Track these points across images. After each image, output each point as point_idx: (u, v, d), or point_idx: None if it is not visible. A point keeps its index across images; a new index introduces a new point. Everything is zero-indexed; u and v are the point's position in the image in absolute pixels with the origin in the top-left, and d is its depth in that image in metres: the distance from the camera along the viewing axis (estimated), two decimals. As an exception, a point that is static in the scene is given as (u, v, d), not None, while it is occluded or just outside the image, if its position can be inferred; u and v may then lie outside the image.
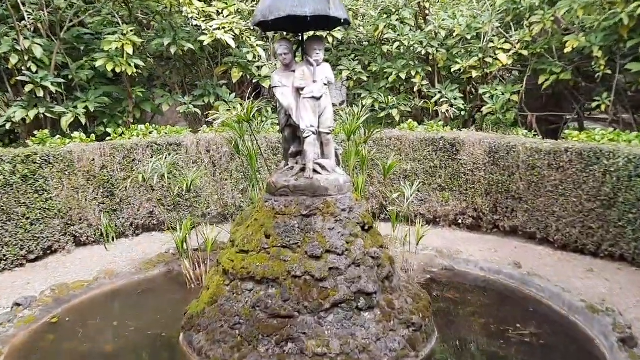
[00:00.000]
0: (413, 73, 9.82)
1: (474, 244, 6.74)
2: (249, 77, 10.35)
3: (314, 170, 4.39)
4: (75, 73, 9.54)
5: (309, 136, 4.40)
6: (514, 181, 6.72)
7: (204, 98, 10.00)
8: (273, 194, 4.38)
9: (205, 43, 9.08)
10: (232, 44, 8.97)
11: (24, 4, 8.90)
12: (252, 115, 5.55)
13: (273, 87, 4.55)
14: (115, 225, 6.98)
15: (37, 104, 8.91)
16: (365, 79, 10.24)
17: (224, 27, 9.05)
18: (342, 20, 4.22)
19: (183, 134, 8.06)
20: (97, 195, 6.73)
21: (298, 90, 4.49)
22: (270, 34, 10.23)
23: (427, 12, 10.08)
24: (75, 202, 6.55)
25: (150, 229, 7.39)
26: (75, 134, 7.93)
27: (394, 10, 10.09)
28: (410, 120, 8.85)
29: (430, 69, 10.09)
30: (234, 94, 10.19)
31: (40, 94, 8.75)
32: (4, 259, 5.92)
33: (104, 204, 6.82)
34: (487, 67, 9.50)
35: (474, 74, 9.56)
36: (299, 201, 4.21)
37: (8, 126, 9.00)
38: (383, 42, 10.59)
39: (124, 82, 9.75)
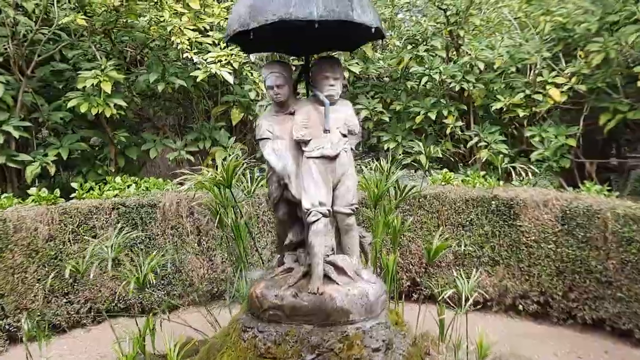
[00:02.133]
0: (444, 112, 8.22)
1: (544, 344, 4.98)
2: (251, 118, 8.83)
3: (326, 277, 2.72)
4: (48, 115, 8.09)
5: (316, 221, 2.75)
6: (598, 259, 4.98)
7: (199, 143, 8.50)
8: (258, 316, 2.73)
9: (199, 79, 7.60)
10: (230, 79, 7.48)
11: (-14, 36, 7.51)
12: (234, 176, 3.90)
13: (259, 140, 2.94)
14: (68, 313, 5.32)
15: (-1, 152, 7.44)
16: (387, 119, 8.65)
17: (220, 61, 7.58)
18: (373, 30, 2.60)
19: (165, 189, 6.47)
20: (40, 275, 5.10)
21: (300, 145, 2.86)
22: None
23: (460, 41, 8.53)
24: (9, 287, 4.92)
25: (116, 313, 5.72)
26: (32, 189, 6.37)
27: (421, 39, 8.58)
28: (445, 169, 7.18)
29: (465, 107, 8.49)
30: (233, 138, 8.66)
31: (0, 140, 7.27)
32: None
33: (50, 286, 5.18)
34: (536, 105, 7.87)
35: (520, 113, 7.93)
36: (299, 334, 2.60)
37: (-39, 179, 7.54)
38: (408, 76, 9.05)
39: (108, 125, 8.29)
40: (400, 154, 8.42)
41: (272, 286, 2.88)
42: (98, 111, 7.47)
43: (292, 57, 6.36)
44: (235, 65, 7.66)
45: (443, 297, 3.89)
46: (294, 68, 3.37)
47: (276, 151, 3.05)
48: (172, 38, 7.46)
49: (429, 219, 5.79)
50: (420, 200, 5.81)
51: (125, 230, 5.32)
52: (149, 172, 9.97)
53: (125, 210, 5.53)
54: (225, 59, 7.61)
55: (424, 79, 8.16)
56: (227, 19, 8.07)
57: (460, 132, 8.38)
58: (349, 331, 2.64)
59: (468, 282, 3.91)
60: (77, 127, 8.61)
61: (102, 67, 7.43)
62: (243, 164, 4.34)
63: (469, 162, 8.54)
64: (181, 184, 6.10)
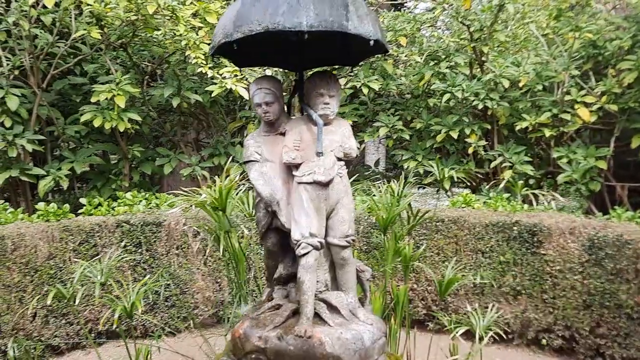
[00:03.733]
0: (467, 131, 7.89)
1: (570, 384, 4.59)
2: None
3: (318, 316, 2.45)
4: (63, 128, 8.05)
5: (306, 254, 2.49)
6: (629, 293, 4.59)
7: (214, 159, 8.35)
8: (239, 359, 2.44)
9: (214, 94, 7.45)
10: (245, 94, 7.29)
11: (4, 49, 7.50)
12: (229, 198, 3.66)
13: (245, 163, 2.70)
14: (67, 334, 5.13)
15: (10, 165, 7.39)
16: (407, 137, 8.35)
17: (236, 75, 7.41)
18: (372, 43, 2.35)
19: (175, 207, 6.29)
20: (39, 295, 4.93)
21: (291, 169, 2.61)
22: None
23: (484, 58, 8.21)
24: (6, 306, 4.76)
25: (118, 335, 5.52)
26: (40, 204, 6.27)
27: (443, 55, 8.29)
28: (466, 191, 6.85)
29: (488, 126, 8.14)
30: (249, 155, 8.46)
31: (14, 153, 7.21)
32: None
33: (49, 307, 5.00)
34: (564, 125, 7.49)
35: (546, 133, 7.55)
36: None
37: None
38: (429, 94, 8.76)
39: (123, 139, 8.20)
40: (420, 173, 8.13)
41: (256, 325, 2.62)
42: (112, 125, 7.39)
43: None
44: (252, 80, 7.47)
45: (455, 334, 3.56)
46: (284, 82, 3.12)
47: (264, 175, 2.81)
48: (187, 52, 7.34)
49: (447, 244, 5.47)
50: (437, 224, 5.50)
51: (128, 250, 5.18)
52: (170, 187, 9.83)
53: (129, 229, 5.36)
54: (241, 74, 7.44)
55: (446, 96, 7.86)
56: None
57: (483, 152, 8.04)
58: (339, 382, 2.35)
59: (483, 318, 3.57)
60: (93, 141, 8.55)
61: (117, 81, 7.34)
62: (239, 185, 4.11)
63: (493, 183, 8.18)
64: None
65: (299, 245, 2.64)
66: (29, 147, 7.36)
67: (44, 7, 7.15)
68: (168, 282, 5.45)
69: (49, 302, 3.63)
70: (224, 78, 7.37)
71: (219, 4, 7.86)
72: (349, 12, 2.29)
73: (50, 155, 8.23)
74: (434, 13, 8.63)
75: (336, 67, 4.10)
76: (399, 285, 4.08)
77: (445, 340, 4.24)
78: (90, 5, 6.88)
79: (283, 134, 2.87)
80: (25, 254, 4.87)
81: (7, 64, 7.43)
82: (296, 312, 2.62)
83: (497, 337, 5.09)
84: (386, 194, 4.06)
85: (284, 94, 3.07)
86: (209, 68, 7.36)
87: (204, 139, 9.49)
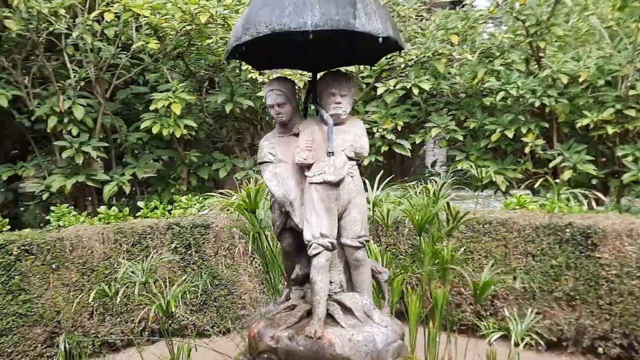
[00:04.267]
0: (523, 130, 7.60)
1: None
2: (320, 137, 8.71)
3: (330, 317, 2.44)
4: (126, 135, 8.46)
5: (317, 254, 2.49)
6: (693, 300, 4.28)
7: (266, 163, 8.49)
8: (253, 358, 2.47)
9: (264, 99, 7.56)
10: (295, 98, 7.35)
11: (71, 61, 7.98)
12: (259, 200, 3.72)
13: (260, 163, 2.74)
14: (122, 332, 5.38)
15: (78, 171, 7.85)
16: (460, 137, 8.15)
17: (287, 80, 7.50)
18: (381, 40, 2.32)
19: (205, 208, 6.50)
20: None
21: (303, 170, 2.63)
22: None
23: (541, 53, 7.89)
24: (65, 304, 5.05)
25: (170, 333, 5.72)
26: (102, 208, 6.64)
27: (497, 52, 8.04)
28: (519, 192, 6.60)
29: (546, 124, 7.81)
30: (301, 158, 8.54)
31: (80, 160, 7.66)
32: (-39, 382, 4.50)
33: (105, 305, 5.27)
34: (628, 121, 7.09)
35: (609, 130, 7.16)
36: None
37: (45, 196, 7.99)
38: (485, 92, 8.51)
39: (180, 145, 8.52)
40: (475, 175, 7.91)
41: (270, 325, 2.65)
42: (169, 132, 7.68)
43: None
44: (301, 84, 7.56)
45: (490, 339, 3.44)
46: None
47: (278, 176, 2.84)
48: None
49: (495, 247, 5.30)
50: (485, 226, 5.34)
51: (178, 251, 5.37)
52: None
53: (179, 231, 5.55)
54: (290, 78, 7.52)
55: (500, 95, 7.61)
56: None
57: (541, 151, 7.72)
58: (348, 383, 2.33)
59: (522, 323, 3.43)
60: (155, 148, 8.92)
61: (173, 89, 7.63)
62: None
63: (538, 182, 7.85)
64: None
65: (310, 245, 2.65)
66: (94, 154, 7.80)
67: (108, 21, 7.55)
68: (216, 283, 5.59)
69: (90, 300, 3.83)
70: (274, 83, 7.49)
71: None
72: (357, 10, 2.27)
73: (114, 162, 8.68)
74: (489, 10, 8.40)
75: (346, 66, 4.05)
76: (439, 288, 3.99)
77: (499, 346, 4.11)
78: (147, 17, 7.20)
79: (297, 135, 2.90)
80: (83, 254, 5.16)
81: (75, 76, 7.91)
82: (310, 313, 2.62)
83: (550, 344, 4.91)
84: (423, 195, 3.98)
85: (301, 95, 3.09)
86: (259, 74, 7.51)
87: (257, 144, 9.68)
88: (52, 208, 6.38)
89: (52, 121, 7.63)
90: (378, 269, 3.03)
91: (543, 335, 5.12)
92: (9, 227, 5.99)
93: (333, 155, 2.72)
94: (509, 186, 7.82)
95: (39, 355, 4.95)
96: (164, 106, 7.59)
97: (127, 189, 7.92)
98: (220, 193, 4.18)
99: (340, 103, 2.79)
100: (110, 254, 5.28)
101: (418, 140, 8.43)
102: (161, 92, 7.85)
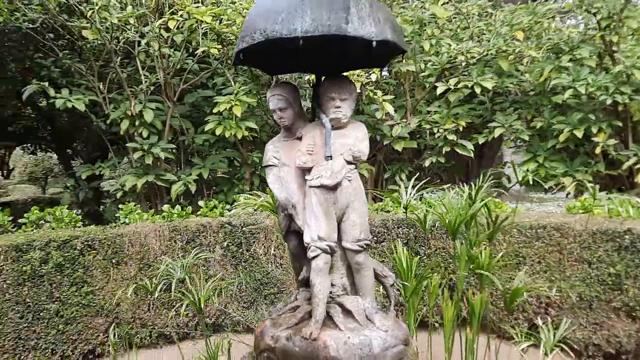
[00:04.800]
0: (594, 129, 7.17)
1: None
2: (378, 138, 8.67)
3: (330, 318, 2.46)
4: (193, 137, 8.85)
5: (315, 256, 2.52)
6: None
7: (325, 163, 8.57)
8: (255, 356, 2.54)
9: (322, 100, 7.63)
10: (352, 100, 7.36)
11: (143, 67, 8.46)
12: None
13: (264, 167, 2.79)
14: (177, 325, 5.65)
15: (148, 171, 8.32)
16: (526, 137, 7.82)
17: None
18: (374, 44, 2.31)
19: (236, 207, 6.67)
20: (151, 288, 5.50)
21: (305, 173, 2.65)
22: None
23: (614, 48, 7.41)
24: (125, 297, 5.38)
25: (222, 328, 5.94)
26: (165, 206, 6.99)
27: (566, 48, 7.63)
28: (585, 195, 6.24)
29: (620, 123, 7.32)
30: (361, 159, 8.54)
31: (149, 160, 8.11)
32: (32, 365, 4.92)
33: (161, 299, 5.55)
34: None
35: (692, 129, 6.62)
36: None
37: (119, 195, 8.53)
38: (555, 90, 8.11)
39: (244, 146, 8.80)
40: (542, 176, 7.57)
41: (273, 325, 2.69)
42: (232, 133, 7.95)
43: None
44: (358, 85, 7.57)
45: (518, 348, 3.30)
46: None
47: (281, 179, 2.88)
48: (297, 62, 7.65)
49: (549, 252, 5.06)
50: (539, 231, 5.10)
51: (230, 250, 5.56)
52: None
53: (231, 230, 5.74)
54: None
55: (568, 92, 7.23)
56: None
57: (614, 152, 7.25)
58: (341, 389, 2.32)
59: (554, 333, 3.26)
60: (221, 149, 9.27)
61: (235, 92, 7.89)
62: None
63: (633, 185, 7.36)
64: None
65: (309, 248, 2.67)
66: (162, 155, 8.23)
67: (177, 28, 7.93)
68: (266, 281, 5.72)
69: (129, 294, 4.07)
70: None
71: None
72: (350, 14, 2.26)
73: (182, 162, 9.10)
74: (561, 4, 8.01)
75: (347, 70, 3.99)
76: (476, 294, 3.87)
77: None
78: (209, 23, 7.49)
79: (300, 139, 2.92)
80: (140, 250, 5.47)
81: (145, 81, 8.38)
82: (312, 314, 2.65)
83: (608, 357, 4.64)
84: (459, 197, 3.88)
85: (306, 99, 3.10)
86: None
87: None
88: (120, 206, 6.79)
89: (125, 124, 8.14)
90: (384, 273, 2.99)
91: (601, 347, 4.84)
92: (81, 222, 6.44)
93: (331, 159, 2.73)
94: (582, 188, 7.40)
95: (101, 343, 5.31)
96: (226, 109, 7.84)
97: (193, 189, 8.27)
98: (250, 194, 4.28)
99: (340, 107, 2.79)
100: (165, 250, 5.56)
101: (481, 141, 8.17)
102: (224, 95, 8.13)
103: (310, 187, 2.73)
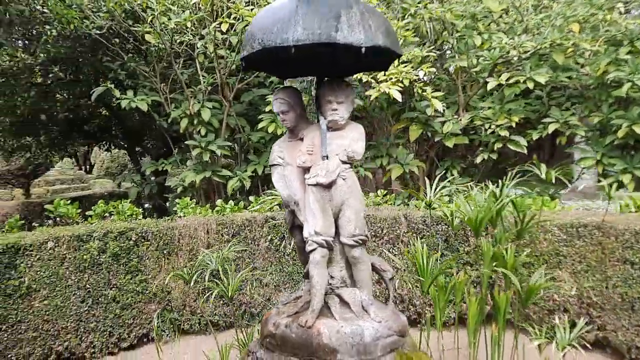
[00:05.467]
0: (655, 125, 6.84)
1: None
2: (429, 134, 8.66)
3: (328, 308, 2.61)
4: (248, 135, 9.20)
5: (313, 250, 2.67)
6: None
7: (376, 160, 8.67)
8: (260, 341, 2.73)
9: (372, 98, 7.76)
10: (398, 97, 7.45)
11: (202, 68, 8.89)
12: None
13: (270, 166, 2.97)
14: (225, 314, 5.96)
15: (206, 168, 8.76)
16: (582, 133, 7.56)
17: (391, 79, 7.62)
18: (363, 50, 2.43)
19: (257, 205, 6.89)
20: (199, 277, 5.84)
21: (305, 172, 2.81)
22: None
23: (680, 37, 7.03)
24: (174, 286, 5.75)
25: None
26: (219, 201, 7.35)
27: (625, 41, 7.31)
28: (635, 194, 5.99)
29: (684, 118, 6.94)
30: (412, 155, 8.58)
31: (207, 157, 8.54)
32: (91, 346, 5.38)
33: (209, 289, 5.88)
34: None
35: None
36: None
37: (179, 190, 9.03)
38: (614, 84, 7.78)
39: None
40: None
41: (277, 314, 2.86)
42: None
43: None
44: (406, 82, 7.60)
45: (534, 344, 3.29)
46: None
47: (285, 178, 3.03)
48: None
49: (590, 252, 4.93)
50: (579, 229, 4.98)
51: (274, 243, 5.80)
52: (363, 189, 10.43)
53: (274, 224, 5.98)
54: (396, 77, 7.61)
55: (626, 86, 6.93)
56: (404, 36, 8.12)
57: (677, 148, 6.89)
58: (331, 373, 2.46)
59: (570, 332, 3.24)
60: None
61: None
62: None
63: None
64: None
65: (307, 242, 2.82)
66: (219, 152, 8.63)
67: (232, 30, 8.27)
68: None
69: (166, 282, 4.37)
70: (379, 82, 7.64)
71: (379, 10, 8.15)
72: (340, 23, 2.38)
73: (240, 159, 9.49)
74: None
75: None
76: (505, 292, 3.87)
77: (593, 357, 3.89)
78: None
79: (303, 140, 3.06)
80: (189, 242, 5.82)
81: (204, 81, 8.81)
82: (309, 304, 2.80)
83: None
84: (485, 195, 3.89)
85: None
86: (363, 73, 7.70)
87: (369, 142, 9.86)
88: (176, 200, 7.20)
89: (184, 123, 8.60)
90: (382, 267, 3.09)
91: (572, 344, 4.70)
92: (141, 215, 6.91)
93: (327, 158, 2.87)
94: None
95: (157, 327, 5.71)
96: (279, 107, 8.09)
97: (248, 185, 8.63)
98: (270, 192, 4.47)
99: (336, 110, 2.91)
100: (213, 243, 5.88)
101: (535, 137, 7.97)
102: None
103: (308, 185, 2.89)
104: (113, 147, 13.74)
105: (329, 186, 2.84)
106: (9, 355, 5.07)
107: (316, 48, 2.53)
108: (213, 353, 4.25)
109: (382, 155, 8.64)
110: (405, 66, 7.74)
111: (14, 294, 5.05)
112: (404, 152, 8.62)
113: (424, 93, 7.85)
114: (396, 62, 7.93)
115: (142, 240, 5.63)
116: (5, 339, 5.04)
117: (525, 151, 8.00)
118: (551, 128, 7.69)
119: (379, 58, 2.95)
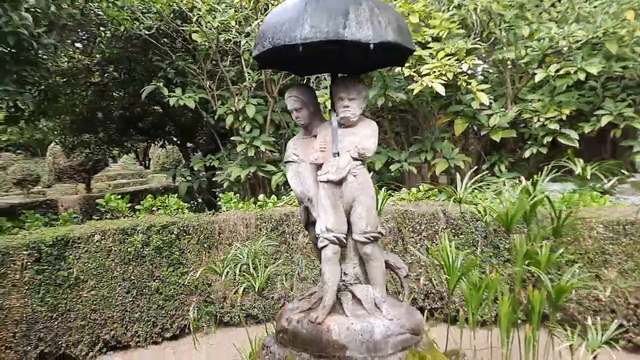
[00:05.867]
0: None
1: None
2: (475, 128, 8.47)
3: (340, 305, 2.61)
4: (292, 131, 9.29)
5: (324, 247, 2.68)
6: None
7: (421, 155, 8.57)
8: (275, 336, 2.76)
9: (415, 92, 7.66)
10: (442, 90, 7.31)
11: (247, 65, 9.04)
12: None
13: (285, 162, 2.99)
14: (263, 307, 6.06)
15: (251, 163, 8.92)
16: (638, 125, 7.19)
17: (434, 72, 7.49)
18: (372, 47, 2.41)
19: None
20: (238, 270, 5.96)
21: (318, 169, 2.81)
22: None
23: None
24: (215, 278, 5.90)
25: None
26: (261, 196, 7.47)
27: (686, 26, 6.88)
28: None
29: None
30: (457, 149, 8.43)
31: (251, 153, 8.69)
32: (136, 335, 5.61)
33: (248, 281, 6.00)
34: None
35: None
36: None
37: (226, 185, 9.23)
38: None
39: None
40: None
41: (290, 309, 2.88)
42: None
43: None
44: (450, 76, 7.45)
45: (564, 347, 3.17)
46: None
47: (299, 174, 3.03)
48: (387, 54, 7.71)
49: (638, 250, 4.69)
50: (626, 227, 4.75)
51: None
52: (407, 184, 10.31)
53: (311, 219, 6.01)
54: (439, 71, 7.47)
55: (686, 75, 6.54)
56: (449, 29, 7.96)
57: None
58: (339, 370, 2.46)
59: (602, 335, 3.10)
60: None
61: (326, 85, 8.17)
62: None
63: None
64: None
65: (318, 239, 2.82)
66: (263, 148, 8.77)
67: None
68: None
69: (197, 276, 4.47)
70: (421, 76, 7.53)
71: (422, 3, 8.03)
72: (349, 20, 2.36)
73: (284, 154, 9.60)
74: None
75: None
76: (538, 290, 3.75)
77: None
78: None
79: (316, 137, 3.05)
80: (229, 236, 5.95)
81: (249, 78, 8.95)
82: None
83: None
84: (517, 191, 3.77)
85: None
86: (406, 67, 7.60)
87: (414, 136, 9.74)
88: (220, 195, 7.37)
89: (230, 119, 8.78)
90: (397, 265, 3.05)
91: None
92: (187, 209, 7.12)
93: (338, 155, 2.85)
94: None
95: (194, 319, 5.88)
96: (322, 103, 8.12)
97: (290, 179, 8.70)
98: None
99: (348, 106, 2.89)
100: (252, 237, 5.98)
101: (587, 130, 7.65)
102: (324, 88, 8.43)
103: (319, 181, 2.89)
104: (167, 144, 14.18)
105: (339, 183, 2.84)
106: (60, 343, 5.36)
107: (324, 46, 2.54)
108: (244, 345, 4.33)
109: (426, 149, 8.52)
110: (449, 59, 7.59)
111: (64, 284, 5.32)
112: (449, 147, 8.47)
113: (469, 86, 7.67)
114: (440, 55, 7.80)
115: (184, 234, 5.81)
116: (56, 326, 5.32)
117: (577, 145, 7.68)
118: (604, 121, 7.35)
119: (393, 54, 2.91)
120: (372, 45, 2.41)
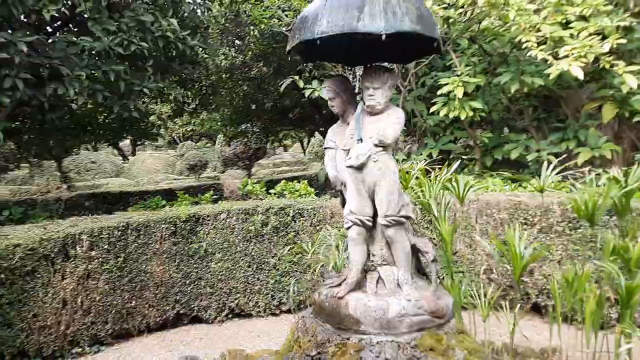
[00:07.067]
0: None
1: None
2: (627, 114, 7.63)
3: (365, 283, 2.72)
4: (425, 119, 9.27)
5: (348, 228, 2.80)
6: None
7: (561, 144, 7.99)
8: (312, 308, 2.97)
9: (551, 77, 7.19)
10: (580, 75, 6.76)
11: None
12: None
13: (324, 149, 3.15)
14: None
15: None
16: None
17: (572, 54, 6.95)
18: (384, 37, 2.47)
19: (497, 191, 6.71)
20: (322, 250, 6.26)
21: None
22: None
23: None
24: (324, 258, 6.25)
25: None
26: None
27: None
28: None
29: None
30: (604, 138, 7.70)
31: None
32: (257, 305, 6.21)
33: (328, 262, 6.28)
34: None
35: None
36: (316, 331, 2.69)
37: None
38: None
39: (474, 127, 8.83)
40: None
41: (326, 283, 3.00)
42: (455, 114, 8.10)
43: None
44: (590, 57, 6.84)
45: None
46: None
47: (334, 160, 3.13)
48: (519, 37, 7.32)
49: None
50: None
51: (421, 226, 5.91)
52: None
53: (421, 208, 6.04)
54: (578, 52, 6.90)
55: None
56: (594, 5, 7.26)
57: None
58: (351, 339, 2.52)
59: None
60: (457, 129, 9.43)
61: (459, 72, 7.99)
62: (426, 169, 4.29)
63: None
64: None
65: (345, 221, 2.90)
66: (393, 137, 8.89)
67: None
68: (454, 259, 5.87)
69: (285, 252, 4.79)
70: (560, 58, 7.01)
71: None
72: (363, 13, 2.42)
73: (417, 143, 9.60)
74: None
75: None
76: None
77: None
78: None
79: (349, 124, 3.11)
80: (339, 220, 6.24)
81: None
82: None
83: None
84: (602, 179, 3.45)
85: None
86: (540, 50, 7.13)
87: (554, 124, 9.06)
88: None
89: (361, 109, 9.05)
90: (425, 249, 2.98)
91: None
92: (315, 194, 7.60)
93: (361, 142, 2.90)
94: None
95: (308, 297, 6.31)
96: (451, 90, 8.00)
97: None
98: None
99: (373, 95, 2.91)
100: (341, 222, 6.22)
101: None
102: (448, 77, 8.29)
103: (345, 167, 3.00)
104: (314, 133, 14.97)
105: (359, 168, 2.93)
106: (192, 306, 6.14)
107: (367, 37, 2.66)
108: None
109: (568, 138, 7.92)
110: (592, 39, 6.95)
111: (195, 255, 6.08)
112: (596, 134, 7.76)
113: (614, 68, 6.95)
114: (583, 34, 7.14)
115: (299, 216, 6.24)
116: (189, 292, 6.11)
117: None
118: None
119: (418, 42, 2.89)
120: (384, 36, 2.49)
